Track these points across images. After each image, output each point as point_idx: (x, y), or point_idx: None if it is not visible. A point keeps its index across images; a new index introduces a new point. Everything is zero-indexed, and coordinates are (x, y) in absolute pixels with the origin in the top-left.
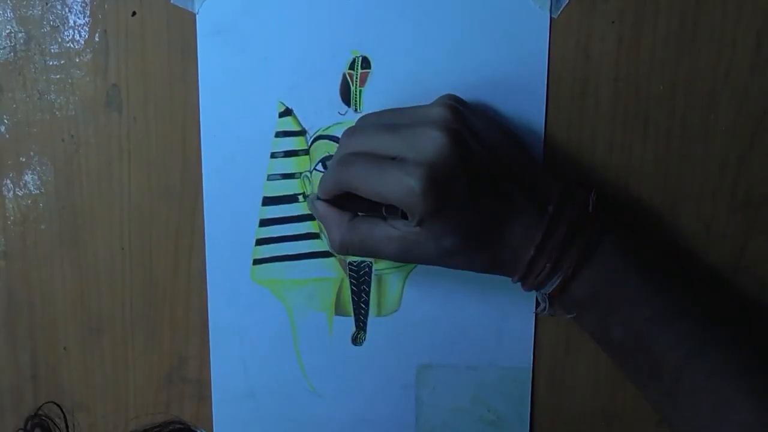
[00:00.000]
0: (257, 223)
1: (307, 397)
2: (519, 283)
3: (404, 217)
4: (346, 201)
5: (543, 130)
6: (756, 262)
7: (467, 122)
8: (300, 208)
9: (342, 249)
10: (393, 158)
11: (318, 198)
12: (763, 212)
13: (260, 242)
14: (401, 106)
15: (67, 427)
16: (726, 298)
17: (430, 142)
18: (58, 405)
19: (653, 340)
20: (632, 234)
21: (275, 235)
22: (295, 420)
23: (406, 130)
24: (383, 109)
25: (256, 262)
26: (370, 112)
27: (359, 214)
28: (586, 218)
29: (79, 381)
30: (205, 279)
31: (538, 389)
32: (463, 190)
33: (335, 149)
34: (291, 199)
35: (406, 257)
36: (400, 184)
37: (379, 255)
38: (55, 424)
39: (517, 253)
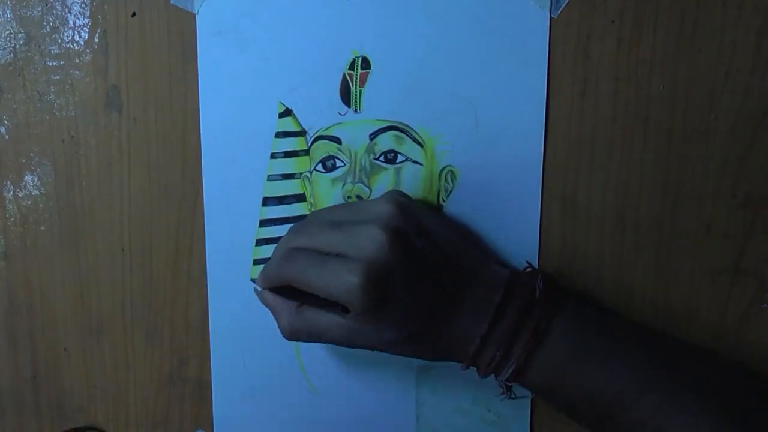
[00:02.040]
0: (257, 223)
1: (307, 397)
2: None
3: (345, 310)
4: (290, 290)
5: (543, 130)
6: (756, 262)
7: (412, 218)
8: (300, 209)
9: (292, 336)
10: (336, 255)
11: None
12: (763, 212)
13: (260, 242)
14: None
15: None
16: (685, 353)
17: (370, 240)
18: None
19: (621, 416)
20: (584, 311)
21: (275, 236)
22: (295, 420)
23: (349, 227)
24: (331, 205)
25: (256, 262)
26: (318, 210)
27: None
28: (534, 304)
29: (79, 381)
30: (205, 279)
31: None
32: (401, 286)
33: (335, 150)
34: (291, 199)
35: (351, 344)
36: (340, 280)
37: (326, 341)
38: None
39: (464, 344)
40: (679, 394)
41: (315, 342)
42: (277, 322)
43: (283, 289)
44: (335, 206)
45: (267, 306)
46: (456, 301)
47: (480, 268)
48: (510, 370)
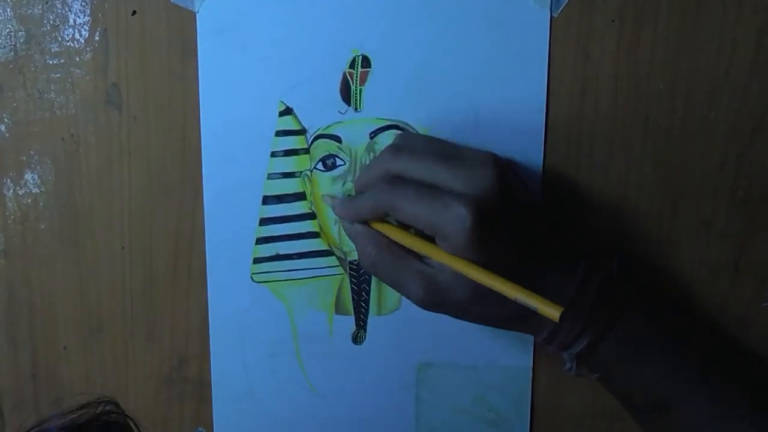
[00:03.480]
0: (257, 222)
1: (307, 397)
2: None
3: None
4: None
5: (543, 130)
6: (756, 262)
7: (510, 168)
8: (300, 207)
9: (373, 266)
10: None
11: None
12: (763, 211)
13: (260, 241)
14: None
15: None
16: (745, 361)
17: (482, 178)
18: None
19: (676, 407)
20: (659, 301)
21: (275, 234)
22: (295, 420)
23: (458, 161)
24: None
25: (256, 261)
26: (410, 134)
27: None
28: (614, 281)
29: (79, 380)
30: (205, 279)
31: (538, 389)
32: (505, 232)
33: (336, 148)
34: (291, 198)
35: (430, 299)
36: (450, 210)
37: (404, 289)
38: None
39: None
40: (733, 394)
41: (391, 285)
42: (363, 250)
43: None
44: (435, 138)
45: (352, 236)
46: (547, 260)
47: (564, 237)
48: (584, 343)
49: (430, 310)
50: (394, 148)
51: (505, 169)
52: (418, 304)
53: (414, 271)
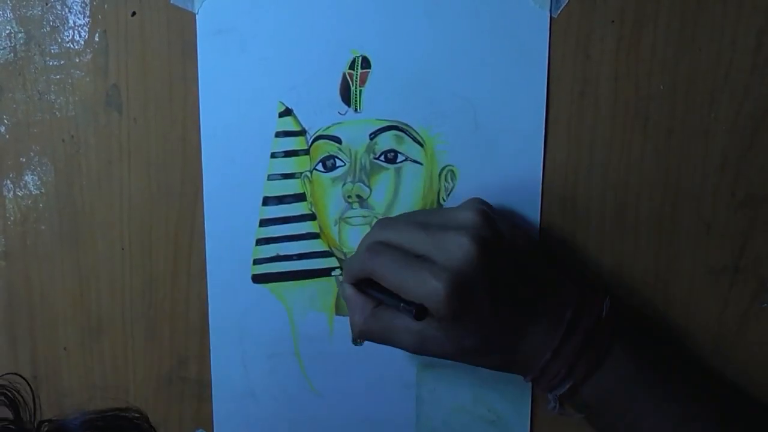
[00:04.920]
0: (257, 223)
1: (307, 397)
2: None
3: (419, 317)
4: (368, 285)
5: (543, 130)
6: (756, 262)
7: (496, 230)
8: (300, 208)
9: (361, 334)
10: (419, 256)
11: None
12: (763, 212)
13: (260, 242)
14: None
15: (34, 399)
16: (731, 393)
17: (459, 249)
18: (21, 376)
19: None
20: (642, 337)
21: (275, 235)
22: (295, 420)
23: (437, 231)
24: (412, 210)
25: (257, 262)
26: (404, 213)
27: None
28: (600, 325)
29: (79, 381)
30: (205, 279)
31: (538, 389)
32: (485, 298)
33: (335, 149)
34: (291, 199)
35: (421, 350)
36: (425, 285)
37: (396, 344)
38: (20, 394)
39: (533, 357)
40: (718, 429)
41: (384, 344)
42: (351, 318)
43: (363, 286)
44: (421, 210)
45: (344, 299)
46: (531, 314)
47: (554, 283)
48: (567, 386)
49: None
50: (383, 221)
51: (488, 231)
52: (411, 353)
53: (402, 329)
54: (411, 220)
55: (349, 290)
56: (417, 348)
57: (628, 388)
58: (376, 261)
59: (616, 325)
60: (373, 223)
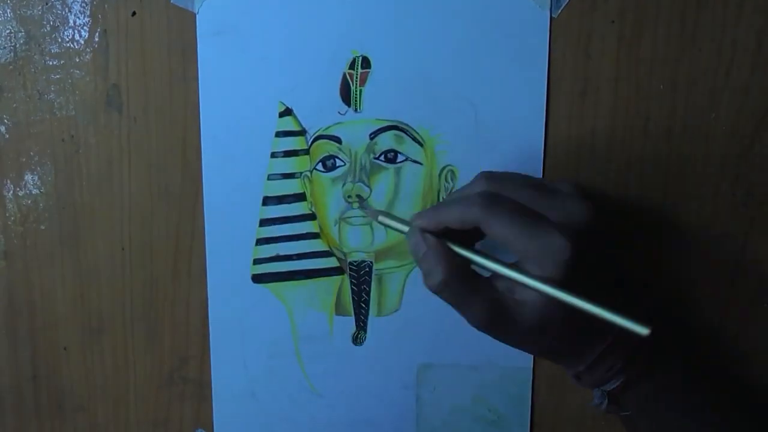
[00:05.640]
0: (257, 222)
1: (307, 397)
2: (575, 379)
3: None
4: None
5: (543, 130)
6: (756, 262)
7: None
8: (300, 208)
9: (437, 286)
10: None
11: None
12: (763, 212)
13: (260, 242)
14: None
15: None
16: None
17: (579, 209)
18: None
19: None
20: (693, 348)
21: (275, 235)
22: (295, 420)
23: (554, 192)
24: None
25: (257, 261)
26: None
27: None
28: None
29: (80, 381)
30: (205, 279)
31: (538, 389)
32: (589, 265)
33: (335, 149)
34: (291, 198)
35: (494, 322)
36: (552, 243)
37: (467, 310)
38: None
39: (589, 345)
40: None
41: (454, 305)
42: (427, 267)
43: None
44: (517, 174)
45: (417, 248)
46: (613, 294)
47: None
48: (618, 383)
49: (485, 332)
50: (489, 173)
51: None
52: (476, 326)
53: (482, 294)
54: (518, 177)
55: (432, 239)
56: (491, 319)
57: (674, 395)
58: (494, 210)
59: (667, 333)
60: (475, 176)
